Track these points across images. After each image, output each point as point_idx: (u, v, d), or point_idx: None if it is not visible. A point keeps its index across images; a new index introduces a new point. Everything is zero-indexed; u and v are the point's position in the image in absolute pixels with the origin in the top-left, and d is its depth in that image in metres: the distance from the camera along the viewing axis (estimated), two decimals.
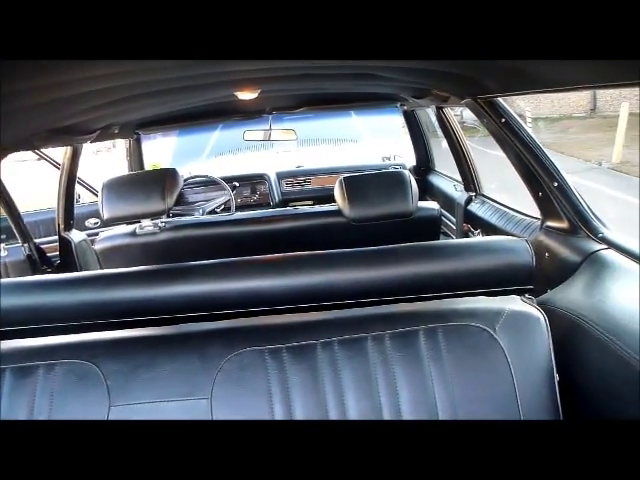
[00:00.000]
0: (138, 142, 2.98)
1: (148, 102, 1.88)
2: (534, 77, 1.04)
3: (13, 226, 2.22)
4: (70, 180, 2.28)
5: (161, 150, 3.92)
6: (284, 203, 3.36)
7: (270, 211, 2.42)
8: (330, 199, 2.84)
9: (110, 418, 0.83)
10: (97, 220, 3.14)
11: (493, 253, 1.31)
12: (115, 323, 1.33)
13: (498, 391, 0.88)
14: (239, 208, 3.16)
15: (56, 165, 2.93)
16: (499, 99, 1.59)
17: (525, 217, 1.90)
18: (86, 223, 3.08)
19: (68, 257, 2.39)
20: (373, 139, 4.18)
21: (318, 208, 2.27)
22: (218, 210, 3.14)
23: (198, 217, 2.74)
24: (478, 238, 1.86)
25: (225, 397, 0.86)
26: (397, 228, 1.82)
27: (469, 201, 2.41)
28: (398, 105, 2.88)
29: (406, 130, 3.49)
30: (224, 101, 2.34)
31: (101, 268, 2.21)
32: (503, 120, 1.56)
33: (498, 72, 1.22)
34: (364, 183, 1.87)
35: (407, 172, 1.82)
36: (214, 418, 0.83)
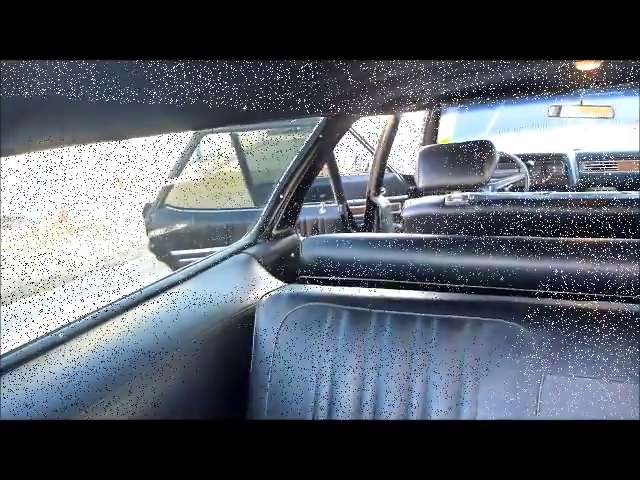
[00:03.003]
0: (437, 115, 3.01)
1: (469, 76, 1.86)
2: None
3: (334, 188, 2.45)
4: (387, 148, 2.41)
5: (442, 125, 3.93)
6: (581, 187, 3.07)
7: (595, 193, 2.22)
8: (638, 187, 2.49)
9: (543, 386, 0.83)
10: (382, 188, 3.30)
11: None
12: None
13: None
14: (530, 189, 2.99)
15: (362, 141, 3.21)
16: None
17: None
18: None
19: (371, 220, 2.56)
20: None
21: None
22: (506, 189, 3.02)
23: (510, 193, 2.68)
24: None
25: None
26: None
27: None
28: None
29: None
30: (538, 75, 2.21)
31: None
32: None
33: None
34: None
35: None
36: None
